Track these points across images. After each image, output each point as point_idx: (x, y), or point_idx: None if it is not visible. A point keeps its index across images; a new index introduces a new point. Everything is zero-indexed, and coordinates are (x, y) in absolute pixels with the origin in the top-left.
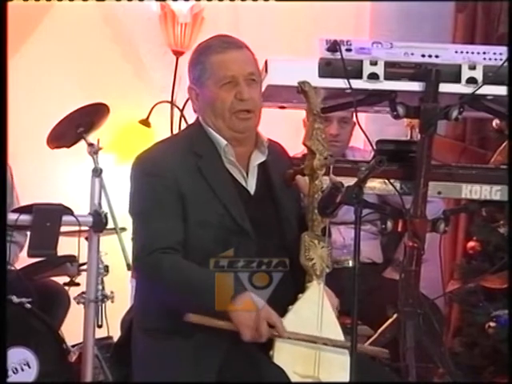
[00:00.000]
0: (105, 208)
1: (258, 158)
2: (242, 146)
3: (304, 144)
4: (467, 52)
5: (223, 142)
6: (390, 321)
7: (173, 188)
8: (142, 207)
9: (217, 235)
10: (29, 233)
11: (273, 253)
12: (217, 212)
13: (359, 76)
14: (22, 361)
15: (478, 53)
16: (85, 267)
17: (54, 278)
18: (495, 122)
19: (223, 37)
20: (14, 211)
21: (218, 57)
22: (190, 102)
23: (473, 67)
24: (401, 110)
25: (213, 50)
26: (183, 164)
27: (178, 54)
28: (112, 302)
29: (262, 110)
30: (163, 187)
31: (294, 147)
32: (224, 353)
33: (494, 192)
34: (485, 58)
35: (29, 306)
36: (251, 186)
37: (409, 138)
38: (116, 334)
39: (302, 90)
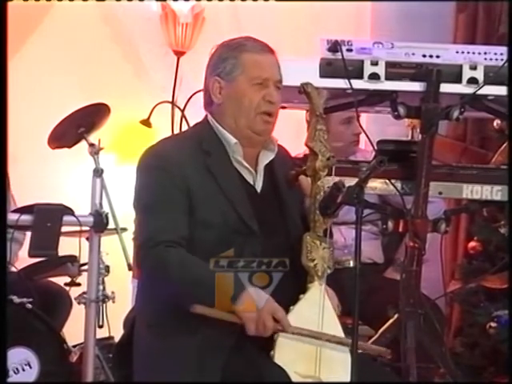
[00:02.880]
0: (106, 208)
1: (267, 156)
2: (253, 147)
3: (306, 145)
4: (468, 52)
5: (232, 140)
6: (390, 321)
7: (180, 184)
8: (147, 200)
9: (223, 233)
10: (29, 232)
11: (278, 252)
12: (224, 210)
13: (360, 76)
14: (23, 361)
15: (479, 53)
16: (86, 267)
17: (56, 280)
18: (496, 122)
19: (256, 39)
20: (15, 211)
21: (255, 56)
22: (190, 102)
23: (474, 67)
24: (402, 110)
25: (248, 48)
26: (191, 161)
27: (178, 54)
28: (113, 302)
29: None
30: (170, 182)
31: (295, 147)
32: (226, 353)
33: (494, 192)
34: (486, 58)
35: (30, 306)
36: (258, 184)
37: (410, 138)
38: (117, 335)
39: (305, 91)
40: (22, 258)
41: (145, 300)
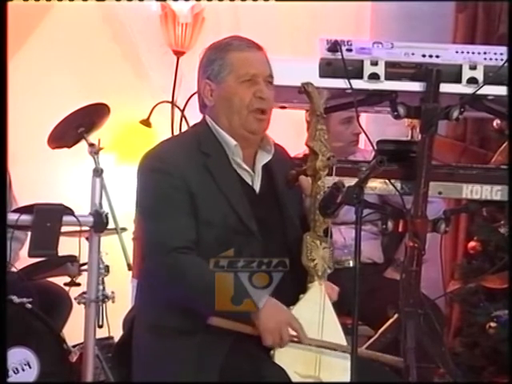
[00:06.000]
0: (105, 208)
1: (264, 157)
2: (250, 146)
3: (307, 145)
4: (468, 52)
5: (232, 142)
6: (390, 321)
7: (182, 186)
8: (152, 204)
9: (223, 235)
10: (29, 232)
11: (277, 252)
12: (223, 211)
13: (360, 76)
14: (23, 361)
15: (479, 53)
16: (85, 267)
17: (56, 280)
18: (496, 122)
19: (242, 37)
20: (15, 211)
21: (241, 54)
22: (190, 102)
23: (473, 67)
24: (401, 110)
25: (235, 47)
26: (191, 163)
27: (178, 54)
28: (113, 302)
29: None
30: (173, 185)
31: (295, 147)
32: (226, 352)
33: (494, 192)
34: (485, 58)
35: (29, 306)
36: (257, 185)
37: (409, 138)
38: (117, 334)
39: (306, 91)
40: (22, 258)
41: (144, 301)
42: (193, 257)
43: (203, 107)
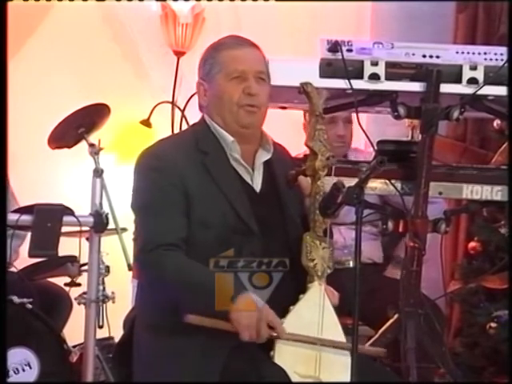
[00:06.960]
0: (106, 208)
1: (263, 155)
2: (247, 143)
3: (306, 145)
4: (468, 52)
5: (229, 138)
6: (391, 321)
7: (178, 184)
8: (145, 202)
9: (222, 233)
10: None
11: (277, 252)
12: (222, 209)
13: (360, 76)
14: (23, 361)
15: (479, 53)
16: (86, 268)
17: (56, 281)
18: (496, 123)
19: (237, 36)
20: (15, 211)
21: (230, 52)
22: (191, 102)
23: (474, 67)
24: (402, 110)
25: (226, 46)
26: (188, 160)
27: (178, 54)
28: (113, 302)
29: (267, 109)
30: (168, 183)
31: (295, 148)
32: (226, 353)
33: (494, 192)
34: (486, 59)
35: (30, 306)
36: (257, 183)
37: (410, 138)
38: (117, 335)
39: (305, 91)
40: (22, 258)
41: (144, 301)
42: (177, 254)
43: (200, 107)
